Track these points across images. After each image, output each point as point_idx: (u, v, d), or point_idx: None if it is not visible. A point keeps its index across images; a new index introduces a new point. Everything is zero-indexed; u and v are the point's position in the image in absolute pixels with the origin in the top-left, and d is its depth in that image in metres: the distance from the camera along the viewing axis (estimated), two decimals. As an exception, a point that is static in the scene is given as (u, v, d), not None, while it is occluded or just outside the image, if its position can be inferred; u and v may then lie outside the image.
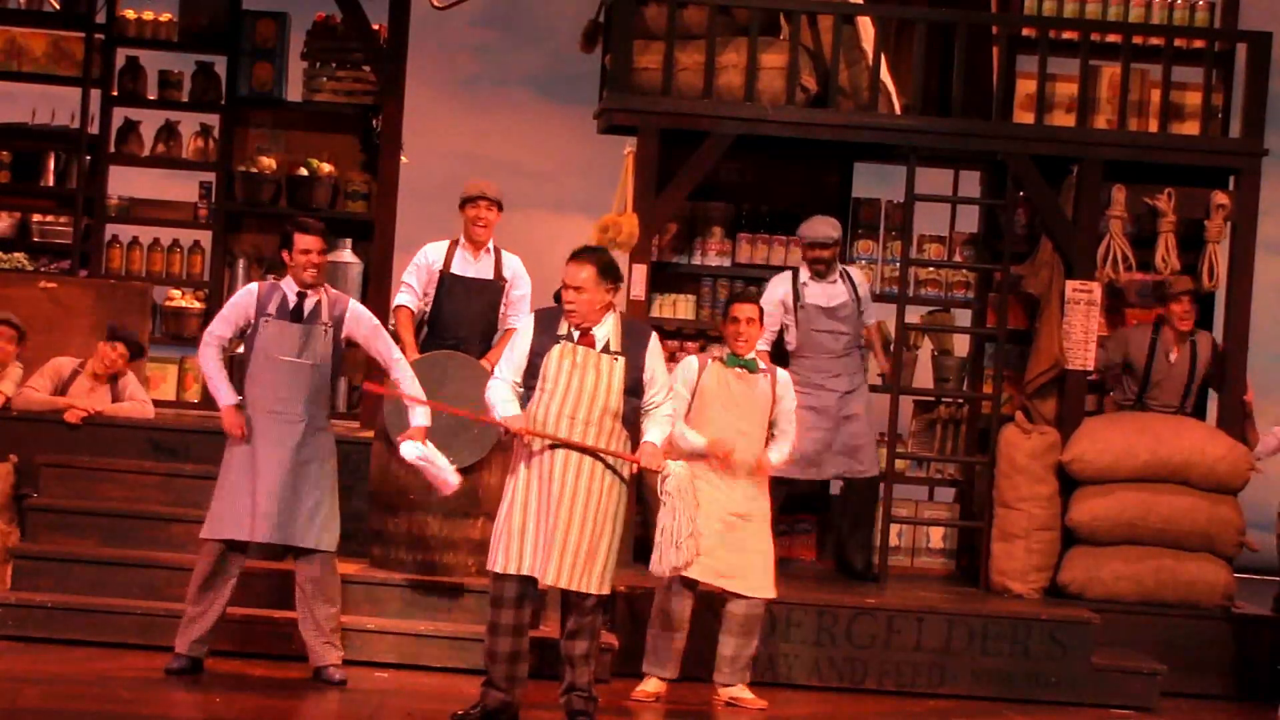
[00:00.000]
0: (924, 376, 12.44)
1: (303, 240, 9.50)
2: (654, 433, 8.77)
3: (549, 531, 8.58)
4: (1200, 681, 11.09)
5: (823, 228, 11.41)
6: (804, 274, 11.47)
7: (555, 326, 8.73)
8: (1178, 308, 11.55)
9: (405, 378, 9.57)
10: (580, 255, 8.73)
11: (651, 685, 9.75)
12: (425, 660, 9.94)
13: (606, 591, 8.71)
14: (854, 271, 11.64)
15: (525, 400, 8.69)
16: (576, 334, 8.69)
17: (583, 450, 8.61)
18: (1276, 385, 13.21)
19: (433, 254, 10.75)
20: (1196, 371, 11.70)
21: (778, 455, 9.74)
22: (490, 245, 10.71)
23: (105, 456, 11.10)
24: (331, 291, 9.69)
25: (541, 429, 8.63)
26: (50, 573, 10.32)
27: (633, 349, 8.73)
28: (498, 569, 8.65)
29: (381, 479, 10.48)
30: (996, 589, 11.37)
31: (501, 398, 8.72)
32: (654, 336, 8.87)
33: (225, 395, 9.52)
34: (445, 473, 9.36)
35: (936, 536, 12.18)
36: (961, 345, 12.51)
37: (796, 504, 12.00)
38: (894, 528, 11.86)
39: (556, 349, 8.67)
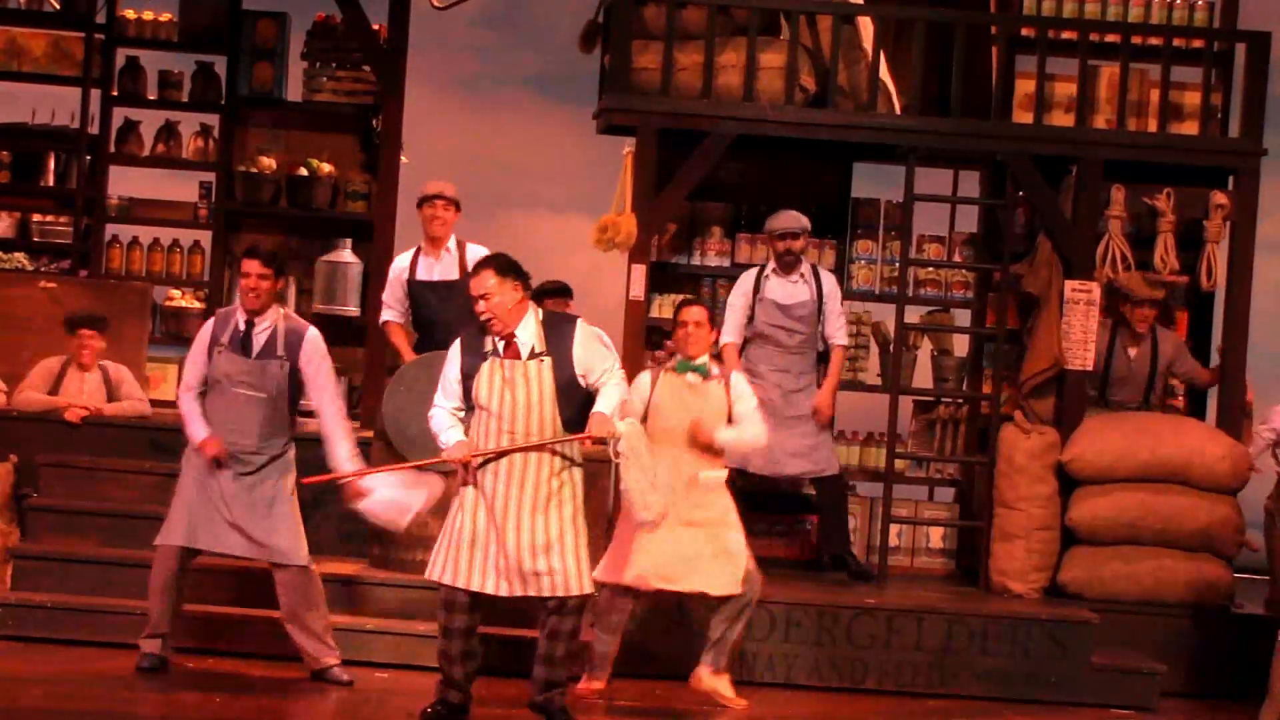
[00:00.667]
0: (923, 376, 12.45)
1: (245, 264, 9.43)
2: (602, 403, 8.61)
3: (508, 547, 8.52)
4: (1200, 681, 11.09)
5: (790, 219, 11.36)
6: (770, 267, 11.44)
7: (480, 344, 8.64)
8: (1140, 313, 11.55)
9: (332, 427, 9.45)
10: (477, 266, 8.67)
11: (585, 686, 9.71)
12: (425, 660, 9.92)
13: (588, 590, 8.69)
14: (827, 279, 11.50)
15: (468, 423, 8.64)
16: (502, 347, 8.59)
17: (530, 449, 8.52)
18: (1276, 385, 13.20)
19: (399, 264, 10.92)
20: (1158, 368, 11.70)
21: (730, 433, 9.63)
22: (451, 244, 10.74)
23: (105, 456, 11.10)
24: (292, 319, 9.57)
25: (484, 451, 8.56)
26: (50, 573, 10.32)
27: (558, 345, 8.61)
28: (446, 581, 8.59)
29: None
30: (996, 589, 11.37)
31: (444, 425, 8.63)
32: (578, 325, 8.68)
33: (197, 431, 9.45)
34: (396, 514, 9.25)
35: (936, 536, 12.19)
36: (961, 345, 12.52)
37: (795, 504, 12.03)
38: (894, 528, 11.86)
39: (485, 367, 8.58)
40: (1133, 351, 11.67)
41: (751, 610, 9.73)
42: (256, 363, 9.40)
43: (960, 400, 12.27)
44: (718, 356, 10.26)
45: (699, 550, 9.46)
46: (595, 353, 8.65)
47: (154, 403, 11.97)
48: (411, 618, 10.18)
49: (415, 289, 10.77)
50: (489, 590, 8.57)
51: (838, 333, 11.44)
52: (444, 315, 10.56)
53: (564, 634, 8.72)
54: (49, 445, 11.10)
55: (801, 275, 11.39)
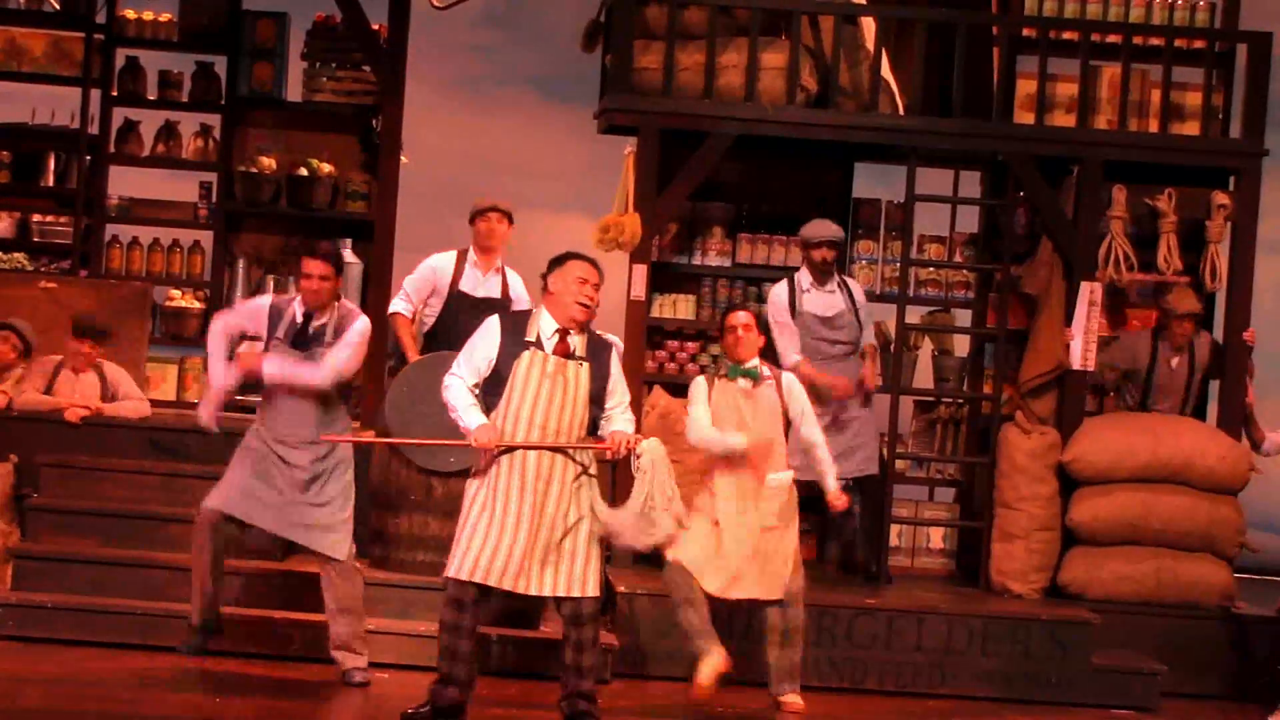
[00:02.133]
0: (924, 376, 12.45)
1: (307, 265, 9.47)
2: (619, 424, 8.67)
3: (531, 543, 8.50)
4: (1200, 681, 11.09)
5: (827, 228, 11.39)
6: (804, 280, 11.41)
7: (523, 332, 8.63)
8: (1179, 328, 11.56)
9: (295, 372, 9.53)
10: (585, 257, 8.73)
11: (708, 666, 9.54)
12: (425, 660, 9.90)
13: (600, 594, 8.69)
14: (852, 283, 11.60)
15: (484, 407, 8.61)
16: (553, 342, 8.61)
17: (554, 449, 8.54)
18: (1276, 385, 13.19)
19: (440, 264, 10.78)
20: (1195, 375, 11.71)
21: (831, 481, 9.80)
22: (499, 262, 10.75)
23: (105, 456, 11.10)
24: (345, 308, 9.63)
25: (511, 440, 8.54)
26: (50, 573, 10.31)
27: (599, 356, 8.67)
28: (463, 576, 8.54)
29: (381, 479, 10.48)
30: (996, 589, 11.37)
31: (464, 402, 8.59)
32: (615, 349, 8.87)
33: (217, 376, 9.51)
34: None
35: (936, 536, 12.18)
36: (961, 345, 12.52)
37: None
38: (894, 528, 11.87)
39: (526, 356, 8.57)
40: (1174, 361, 11.66)
41: (800, 626, 9.70)
42: (308, 353, 9.46)
43: (961, 400, 12.27)
44: (775, 362, 10.31)
45: (769, 556, 9.53)
46: (622, 381, 8.77)
47: (154, 403, 11.97)
48: (411, 618, 10.18)
49: (454, 296, 10.72)
50: (506, 586, 8.53)
51: (868, 332, 11.61)
52: (463, 330, 10.56)
53: (587, 643, 8.69)
54: (49, 445, 11.09)
55: (837, 285, 11.43)
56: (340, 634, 9.55)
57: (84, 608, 10.04)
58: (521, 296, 10.76)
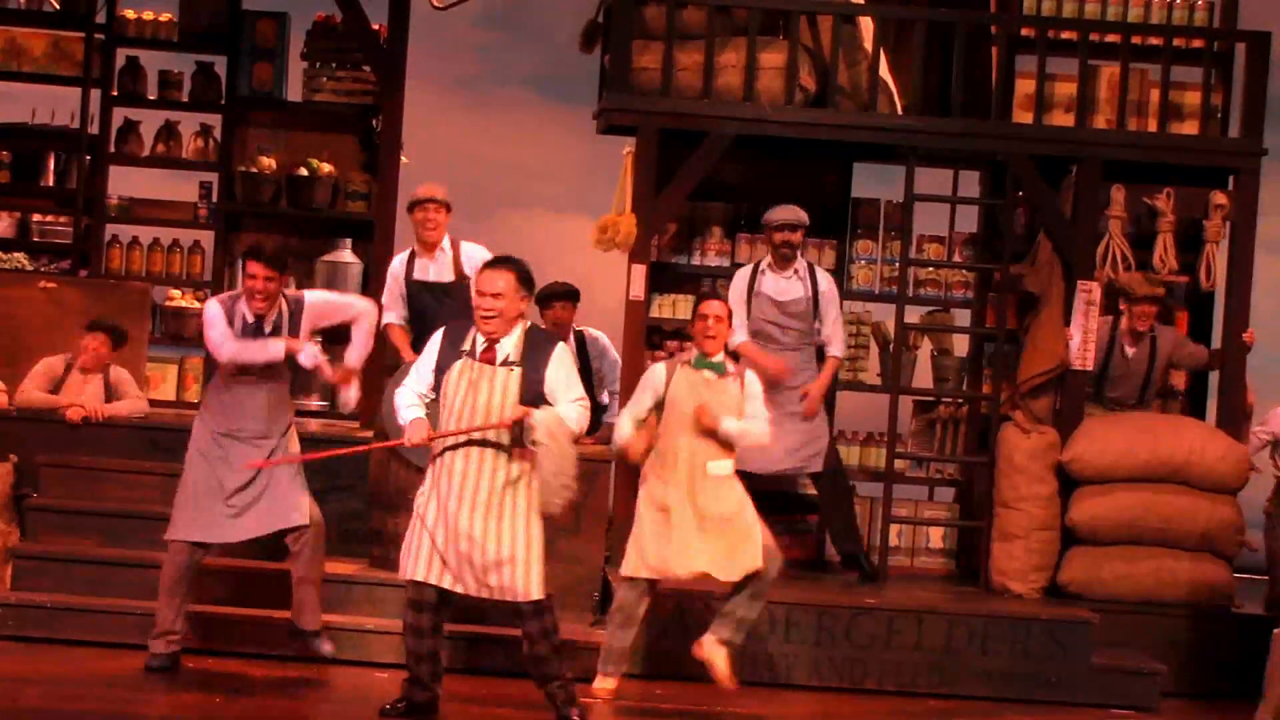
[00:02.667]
0: (924, 376, 12.44)
1: (250, 266, 9.53)
2: (545, 407, 8.69)
3: (461, 546, 8.65)
4: (1200, 681, 11.09)
5: (788, 212, 11.36)
6: (765, 262, 11.45)
7: (460, 341, 8.75)
8: (1140, 310, 11.54)
9: (362, 333, 9.81)
10: (498, 263, 8.74)
11: (608, 684, 9.73)
12: (425, 660, 9.93)
13: (538, 596, 8.72)
14: (823, 278, 11.49)
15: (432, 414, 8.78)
16: (480, 349, 8.68)
17: (474, 430, 8.62)
18: (1277, 385, 13.20)
19: (395, 266, 11.00)
20: (1156, 367, 11.71)
21: (735, 425, 9.65)
22: (445, 244, 10.78)
23: (105, 456, 11.10)
24: (289, 297, 9.68)
25: (439, 434, 8.71)
26: (50, 573, 10.32)
27: (533, 360, 8.70)
28: (417, 577, 8.73)
29: (381, 479, 10.48)
30: (996, 589, 11.37)
31: (404, 402, 8.79)
32: (559, 348, 8.78)
33: (274, 345, 9.54)
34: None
35: (936, 536, 12.19)
36: (961, 345, 12.51)
37: (796, 504, 12.02)
38: (894, 528, 11.86)
39: (457, 365, 8.70)
40: (1131, 350, 11.68)
41: (767, 589, 9.72)
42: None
43: (960, 400, 12.27)
44: (734, 355, 10.28)
45: (716, 542, 9.54)
46: (567, 380, 8.74)
47: (153, 402, 11.97)
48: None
49: (412, 289, 10.83)
50: (454, 588, 8.72)
51: (835, 343, 11.44)
52: (441, 315, 10.57)
53: (536, 635, 8.81)
54: (49, 445, 11.10)
55: (797, 271, 11.39)
56: (304, 601, 9.64)
57: (84, 608, 10.05)
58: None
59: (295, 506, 9.55)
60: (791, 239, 11.34)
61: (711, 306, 9.70)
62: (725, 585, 9.64)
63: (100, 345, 11.41)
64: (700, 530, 9.54)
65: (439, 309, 10.63)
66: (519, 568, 8.67)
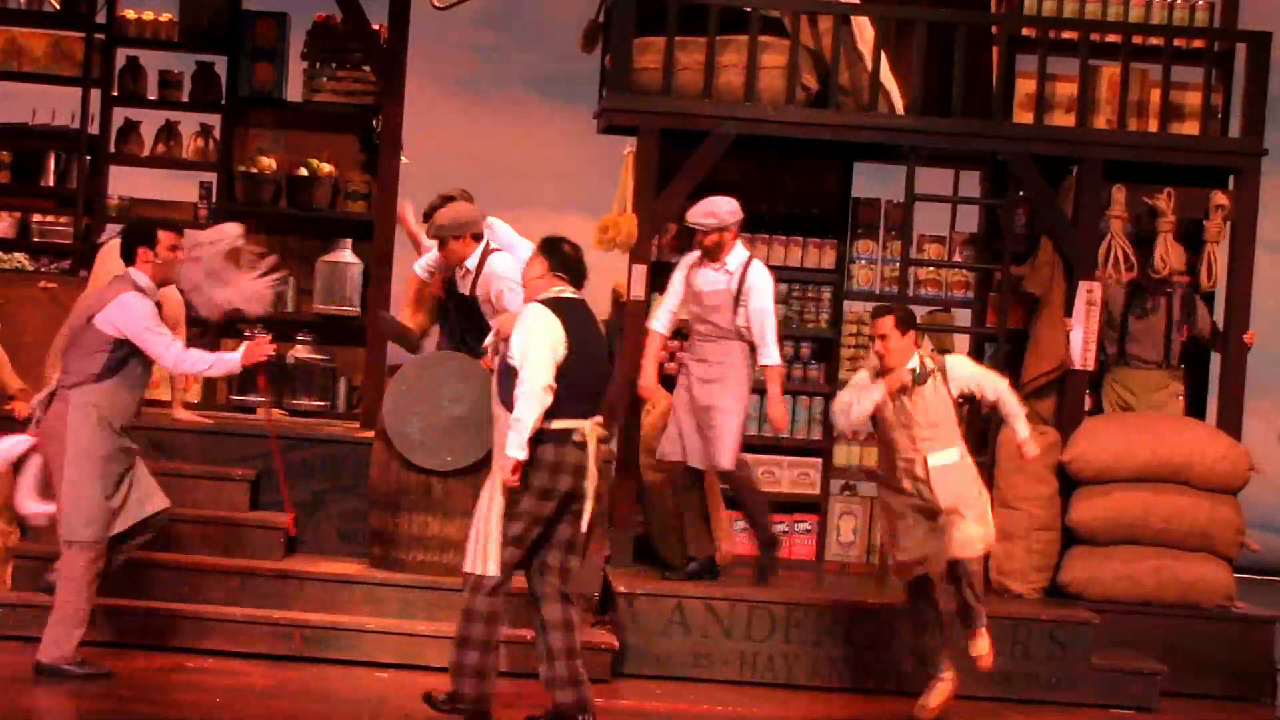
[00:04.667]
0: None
1: (170, 237, 9.40)
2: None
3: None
4: (1200, 681, 11.08)
5: (698, 212, 10.80)
6: (698, 254, 10.99)
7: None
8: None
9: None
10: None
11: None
12: (425, 660, 9.94)
13: (482, 572, 8.64)
14: (754, 274, 10.79)
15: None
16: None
17: None
18: (1277, 385, 13.20)
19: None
20: (1174, 322, 11.70)
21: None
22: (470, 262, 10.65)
23: (105, 456, 11.07)
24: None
25: None
26: (50, 573, 10.30)
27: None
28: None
29: (381, 479, 10.48)
30: (996, 589, 11.36)
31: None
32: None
33: (230, 358, 9.50)
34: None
35: (936, 536, 12.16)
36: (961, 345, 12.51)
37: (795, 505, 12.02)
38: (894, 528, 11.84)
39: None
40: (1149, 302, 11.65)
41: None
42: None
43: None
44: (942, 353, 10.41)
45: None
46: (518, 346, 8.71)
47: (153, 403, 11.95)
48: (411, 618, 10.18)
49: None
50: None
51: (764, 350, 10.79)
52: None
53: (461, 614, 8.75)
54: (49, 445, 11.07)
55: (726, 265, 10.80)
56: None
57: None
58: (512, 242, 10.83)
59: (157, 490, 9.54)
60: (704, 241, 10.81)
61: (879, 325, 9.68)
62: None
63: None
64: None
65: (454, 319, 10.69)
66: (472, 542, 8.70)
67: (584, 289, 8.85)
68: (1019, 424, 9.80)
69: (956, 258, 12.36)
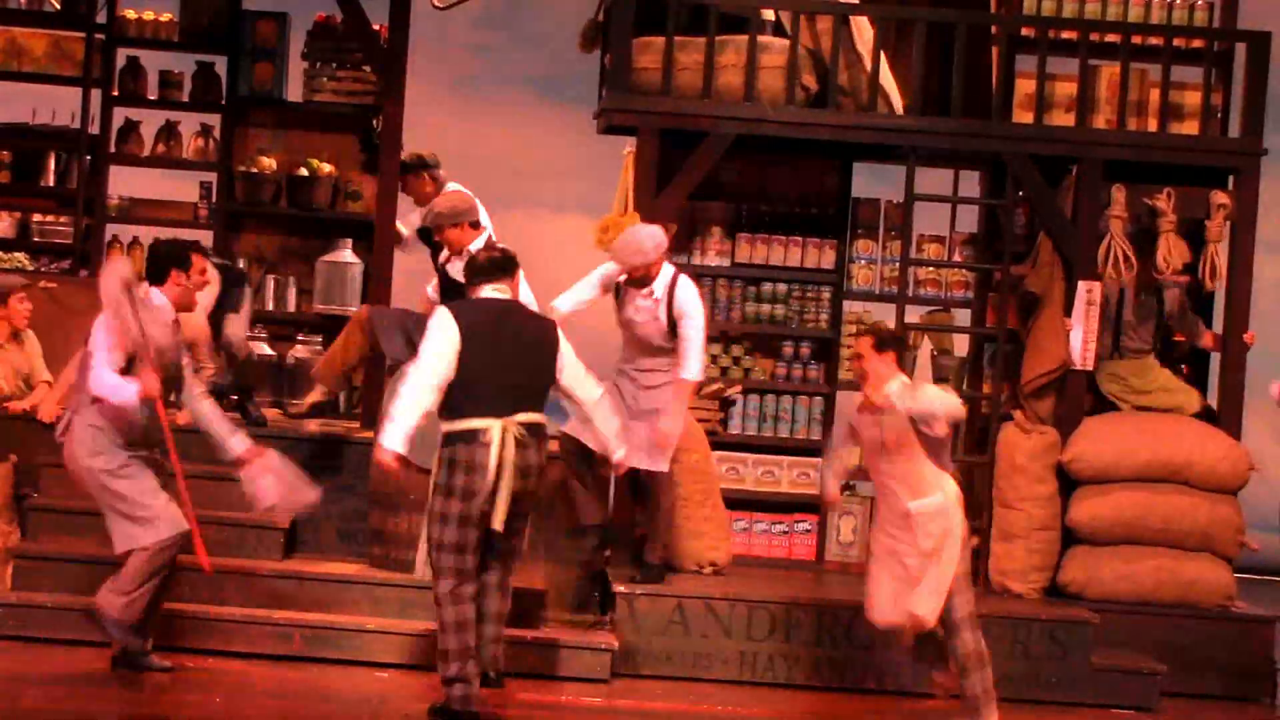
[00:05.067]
0: (924, 376, 12.43)
1: (202, 261, 9.44)
2: None
3: None
4: (1200, 681, 11.08)
5: (628, 252, 10.53)
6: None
7: None
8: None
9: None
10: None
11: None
12: (425, 660, 9.93)
13: (418, 575, 9.07)
14: (681, 296, 10.53)
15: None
16: None
17: None
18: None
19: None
20: (1165, 313, 11.73)
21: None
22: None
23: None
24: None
25: None
26: (50, 573, 10.31)
27: None
28: None
29: (381, 479, 10.47)
30: (996, 589, 11.36)
31: None
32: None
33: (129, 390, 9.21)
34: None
35: (936, 536, 12.16)
36: (961, 345, 12.52)
37: (795, 504, 12.02)
38: (894, 528, 11.84)
39: None
40: (1141, 295, 11.70)
41: None
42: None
43: (960, 400, 12.24)
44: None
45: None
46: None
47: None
48: (411, 618, 10.18)
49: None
50: None
51: (687, 366, 10.55)
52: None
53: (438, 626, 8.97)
54: (49, 445, 11.06)
55: (652, 291, 10.59)
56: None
57: (84, 608, 10.03)
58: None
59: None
60: (631, 274, 10.56)
61: (860, 344, 9.31)
62: None
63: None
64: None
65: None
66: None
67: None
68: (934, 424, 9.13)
69: (956, 258, 12.36)
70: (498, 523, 8.72)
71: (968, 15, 11.83)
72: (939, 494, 9.11)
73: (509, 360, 8.77)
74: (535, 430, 8.82)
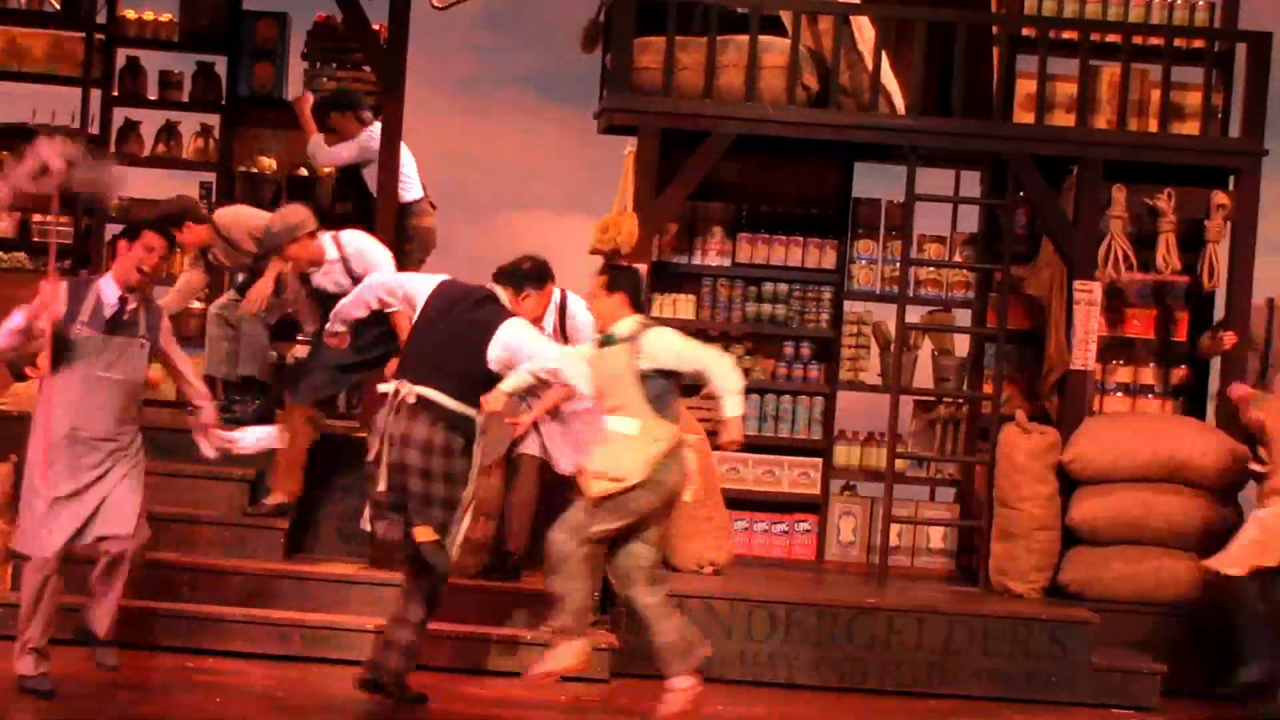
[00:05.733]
0: (924, 376, 12.45)
1: (149, 238, 8.96)
2: None
3: None
4: (1200, 681, 11.07)
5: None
6: None
7: None
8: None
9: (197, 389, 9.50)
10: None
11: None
12: (425, 660, 9.92)
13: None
14: (572, 315, 10.59)
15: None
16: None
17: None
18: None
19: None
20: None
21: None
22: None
23: (105, 456, 11.06)
24: (151, 297, 9.16)
25: None
26: (50, 573, 10.29)
27: None
28: None
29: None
30: (996, 589, 11.37)
31: None
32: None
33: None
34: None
35: (937, 536, 12.19)
36: (961, 345, 12.52)
37: (795, 504, 12.03)
38: (894, 528, 11.86)
39: None
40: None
41: None
42: (120, 340, 8.95)
43: (961, 400, 12.27)
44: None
45: None
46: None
47: (154, 403, 11.94)
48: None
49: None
50: None
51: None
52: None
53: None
54: (49, 445, 11.06)
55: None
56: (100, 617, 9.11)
57: (83, 608, 10.02)
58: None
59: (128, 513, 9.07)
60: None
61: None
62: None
63: None
64: None
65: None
66: None
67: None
68: (727, 400, 8.92)
69: (957, 258, 12.37)
70: (381, 484, 8.94)
71: (968, 15, 11.84)
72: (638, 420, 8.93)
73: (440, 336, 9.03)
74: (430, 406, 8.87)
